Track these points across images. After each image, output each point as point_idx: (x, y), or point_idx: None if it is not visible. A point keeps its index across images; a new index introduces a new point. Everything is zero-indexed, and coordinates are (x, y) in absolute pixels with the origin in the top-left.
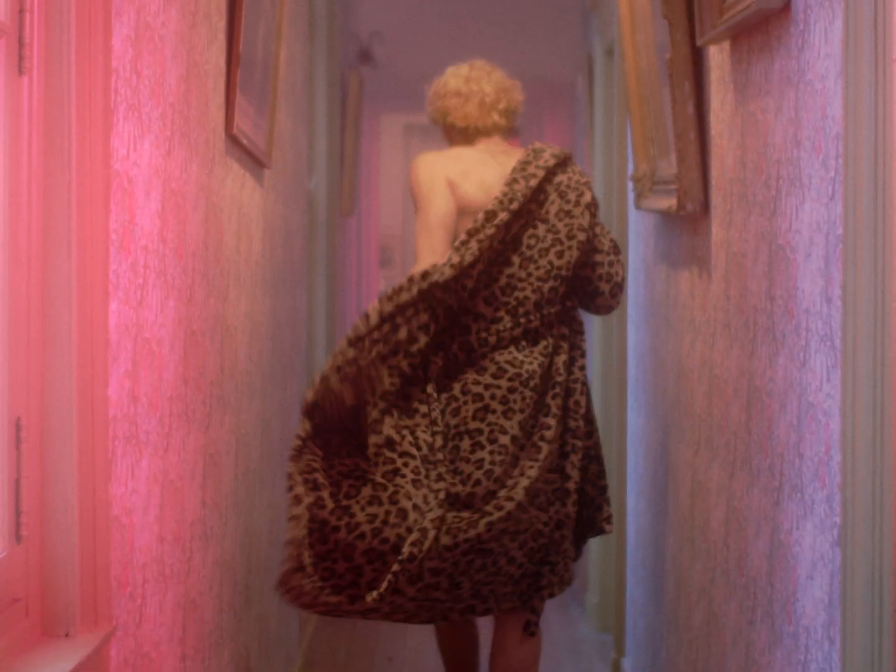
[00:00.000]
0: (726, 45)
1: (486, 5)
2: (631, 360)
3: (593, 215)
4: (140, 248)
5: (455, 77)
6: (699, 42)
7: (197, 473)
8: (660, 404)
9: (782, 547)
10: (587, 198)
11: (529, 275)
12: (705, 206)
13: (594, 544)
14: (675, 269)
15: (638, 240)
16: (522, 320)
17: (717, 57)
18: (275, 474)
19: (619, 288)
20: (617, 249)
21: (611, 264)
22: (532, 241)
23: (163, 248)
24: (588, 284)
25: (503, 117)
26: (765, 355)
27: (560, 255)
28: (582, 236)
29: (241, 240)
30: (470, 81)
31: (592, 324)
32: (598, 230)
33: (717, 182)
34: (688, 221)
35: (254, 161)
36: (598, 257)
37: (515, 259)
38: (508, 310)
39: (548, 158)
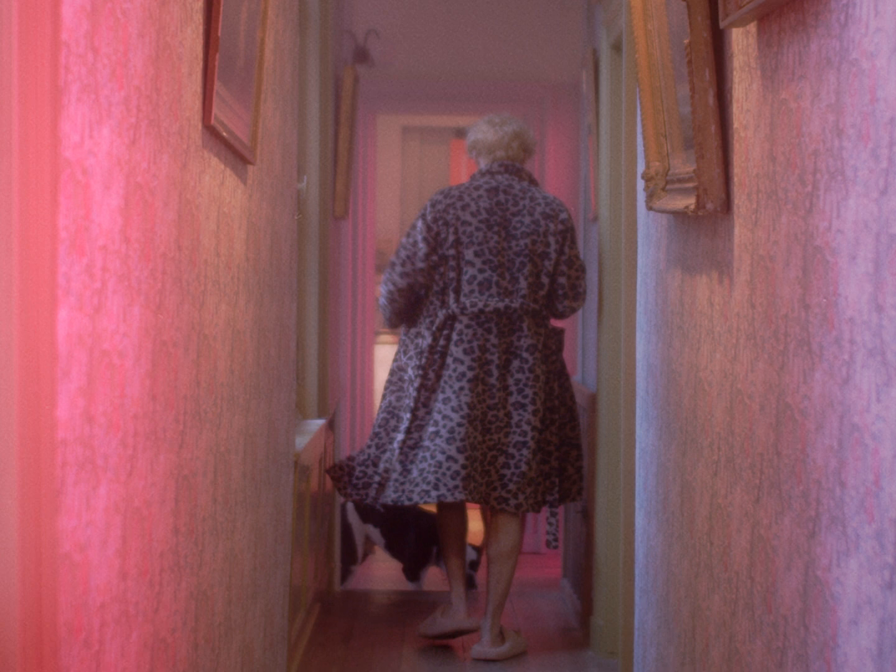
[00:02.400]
0: (752, 27)
1: (486, 3)
2: (640, 372)
3: (568, 233)
4: (97, 249)
5: (480, 127)
6: (722, 24)
7: (168, 498)
8: (673, 420)
9: (819, 584)
10: (566, 216)
11: (510, 247)
12: (727, 205)
13: (600, 564)
14: (691, 275)
15: (648, 243)
16: (495, 275)
17: (742, 41)
18: (259, 493)
19: (581, 297)
20: (584, 268)
21: (578, 278)
22: (518, 225)
23: (126, 249)
24: (561, 289)
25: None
26: (798, 369)
27: (534, 242)
28: (551, 240)
29: (221, 241)
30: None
31: (598, 333)
32: (573, 252)
33: (740, 179)
34: (706, 222)
35: (235, 156)
36: (573, 272)
37: (502, 232)
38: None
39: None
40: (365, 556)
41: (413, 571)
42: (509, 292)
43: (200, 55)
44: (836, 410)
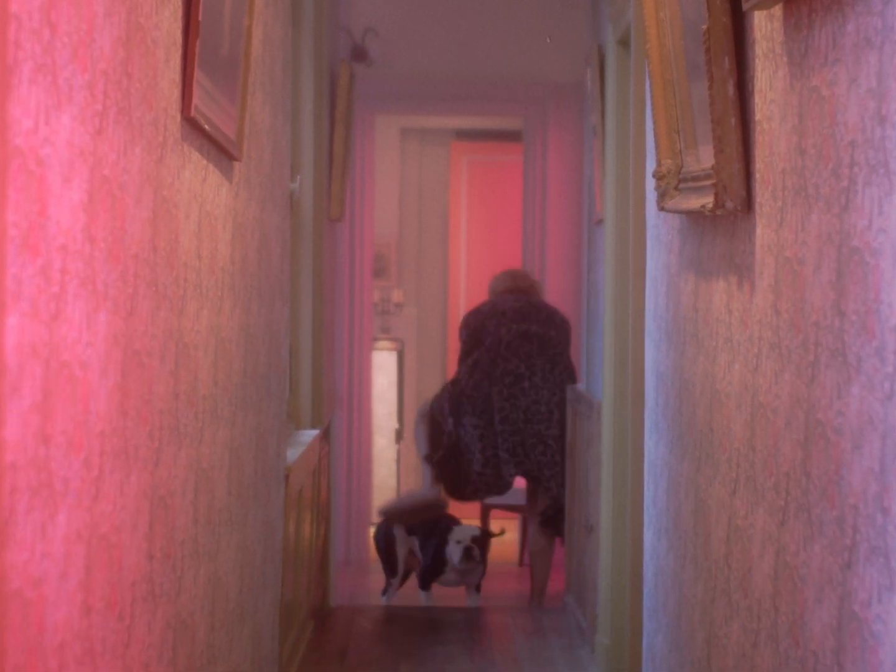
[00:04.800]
0: (777, 9)
1: (487, 1)
2: (649, 381)
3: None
4: (55, 249)
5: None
6: (745, 6)
7: (141, 522)
8: (686, 432)
9: (856, 621)
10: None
11: None
12: (748, 203)
13: (604, 580)
14: (707, 279)
15: (658, 245)
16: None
17: (765, 26)
18: (247, 511)
19: None
20: None
21: None
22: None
23: (90, 249)
24: None
25: None
26: (831, 383)
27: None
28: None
29: (203, 242)
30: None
31: (603, 340)
32: None
33: (763, 175)
34: (724, 222)
35: (220, 151)
36: None
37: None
38: None
39: None
40: (408, 573)
41: (425, 580)
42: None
43: (179, 41)
44: (878, 429)
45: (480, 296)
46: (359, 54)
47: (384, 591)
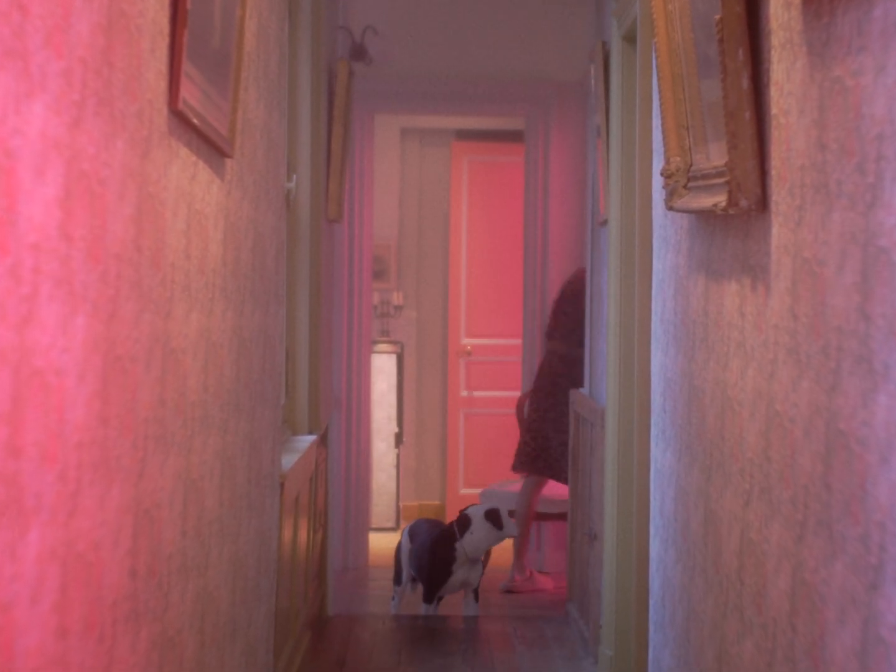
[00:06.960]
0: None
1: None
2: (655, 387)
3: None
4: (26, 247)
5: None
6: None
7: (123, 537)
8: (695, 440)
9: (882, 645)
10: None
11: None
12: (763, 201)
13: (608, 590)
14: (717, 281)
15: (666, 246)
16: None
17: (782, 15)
18: (239, 521)
19: None
20: None
21: None
22: None
23: (66, 248)
24: None
25: None
26: (854, 391)
27: None
28: None
29: (193, 242)
30: None
31: (608, 344)
32: None
33: (779, 171)
34: (736, 222)
35: (210, 147)
36: None
37: None
38: None
39: None
40: (415, 579)
41: (429, 593)
42: None
43: (166, 30)
44: None
45: (481, 297)
46: (358, 53)
47: (393, 598)
